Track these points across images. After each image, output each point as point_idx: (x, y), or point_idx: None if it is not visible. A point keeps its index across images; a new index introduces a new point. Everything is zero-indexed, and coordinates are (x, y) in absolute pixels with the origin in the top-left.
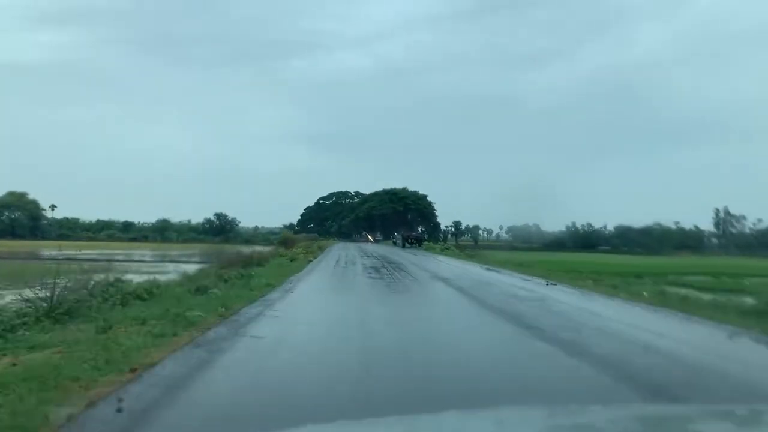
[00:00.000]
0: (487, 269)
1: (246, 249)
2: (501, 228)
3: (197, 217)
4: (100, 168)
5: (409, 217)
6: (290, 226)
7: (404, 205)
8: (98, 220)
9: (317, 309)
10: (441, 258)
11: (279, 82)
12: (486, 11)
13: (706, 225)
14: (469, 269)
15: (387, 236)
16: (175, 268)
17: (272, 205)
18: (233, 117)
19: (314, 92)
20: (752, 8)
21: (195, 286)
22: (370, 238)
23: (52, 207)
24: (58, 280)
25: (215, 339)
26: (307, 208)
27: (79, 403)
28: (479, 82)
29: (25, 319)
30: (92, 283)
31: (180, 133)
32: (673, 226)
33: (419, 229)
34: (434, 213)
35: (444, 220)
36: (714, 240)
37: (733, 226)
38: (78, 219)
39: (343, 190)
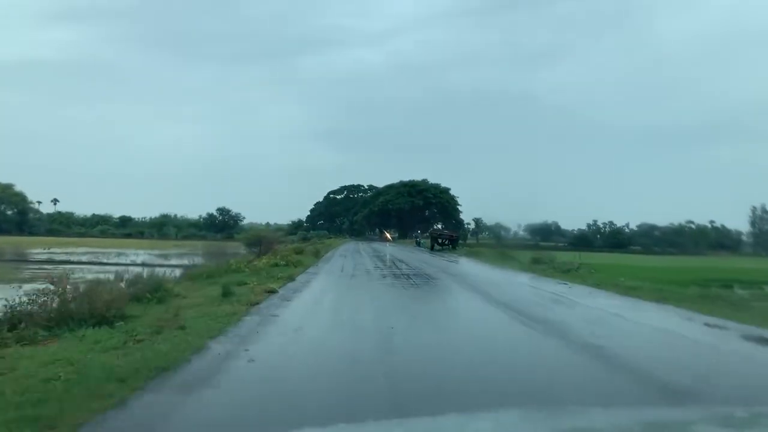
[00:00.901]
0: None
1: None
2: (519, 226)
3: (205, 214)
4: (107, 163)
5: (427, 213)
6: (298, 223)
7: (424, 199)
8: (94, 215)
9: None
10: (522, 277)
11: (292, 78)
12: (503, 7)
13: (737, 224)
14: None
15: (403, 234)
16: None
17: (283, 201)
18: (246, 114)
19: (328, 88)
20: None
21: None
22: (387, 236)
23: (54, 201)
24: None
25: None
26: (317, 203)
27: None
28: (495, 78)
29: None
30: None
31: (192, 129)
32: (708, 225)
33: (438, 225)
34: (458, 208)
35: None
36: (745, 239)
37: None
38: (73, 213)
39: (356, 184)
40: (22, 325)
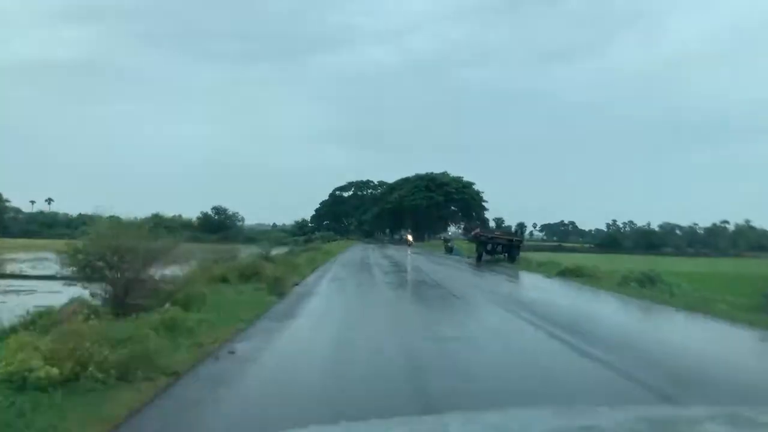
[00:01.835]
0: None
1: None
2: (534, 226)
3: (200, 213)
4: (109, 164)
5: (448, 210)
6: (302, 224)
7: (444, 195)
8: (80, 215)
9: None
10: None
11: (302, 77)
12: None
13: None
14: None
15: (419, 236)
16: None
17: (293, 203)
18: (253, 113)
19: (339, 87)
20: None
21: None
22: (409, 238)
23: (49, 201)
24: None
25: None
26: (322, 202)
27: None
28: (509, 76)
29: None
30: None
31: (198, 129)
32: (745, 225)
33: (458, 225)
34: (483, 206)
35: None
36: None
37: None
38: (57, 213)
39: (364, 179)
40: None
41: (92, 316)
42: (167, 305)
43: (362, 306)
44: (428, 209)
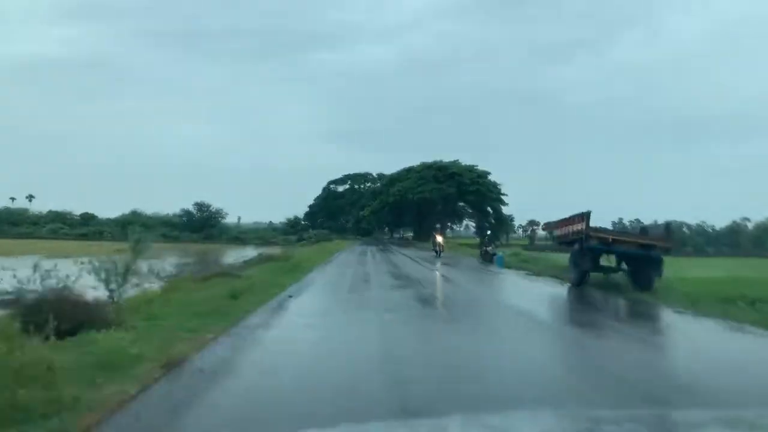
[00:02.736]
0: None
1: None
2: (538, 224)
3: (179, 209)
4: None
5: (458, 204)
6: (295, 221)
7: (457, 186)
8: (50, 211)
9: None
10: None
11: (300, 75)
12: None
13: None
14: None
15: (422, 235)
16: None
17: (290, 202)
18: (251, 111)
19: (339, 84)
20: None
21: None
22: (439, 239)
23: (30, 198)
24: None
25: None
26: (316, 198)
27: None
28: (507, 74)
29: None
30: None
31: (197, 128)
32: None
33: (468, 222)
34: (501, 199)
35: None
36: None
37: None
38: (27, 210)
39: (362, 172)
40: None
41: None
42: None
43: None
44: (437, 203)
